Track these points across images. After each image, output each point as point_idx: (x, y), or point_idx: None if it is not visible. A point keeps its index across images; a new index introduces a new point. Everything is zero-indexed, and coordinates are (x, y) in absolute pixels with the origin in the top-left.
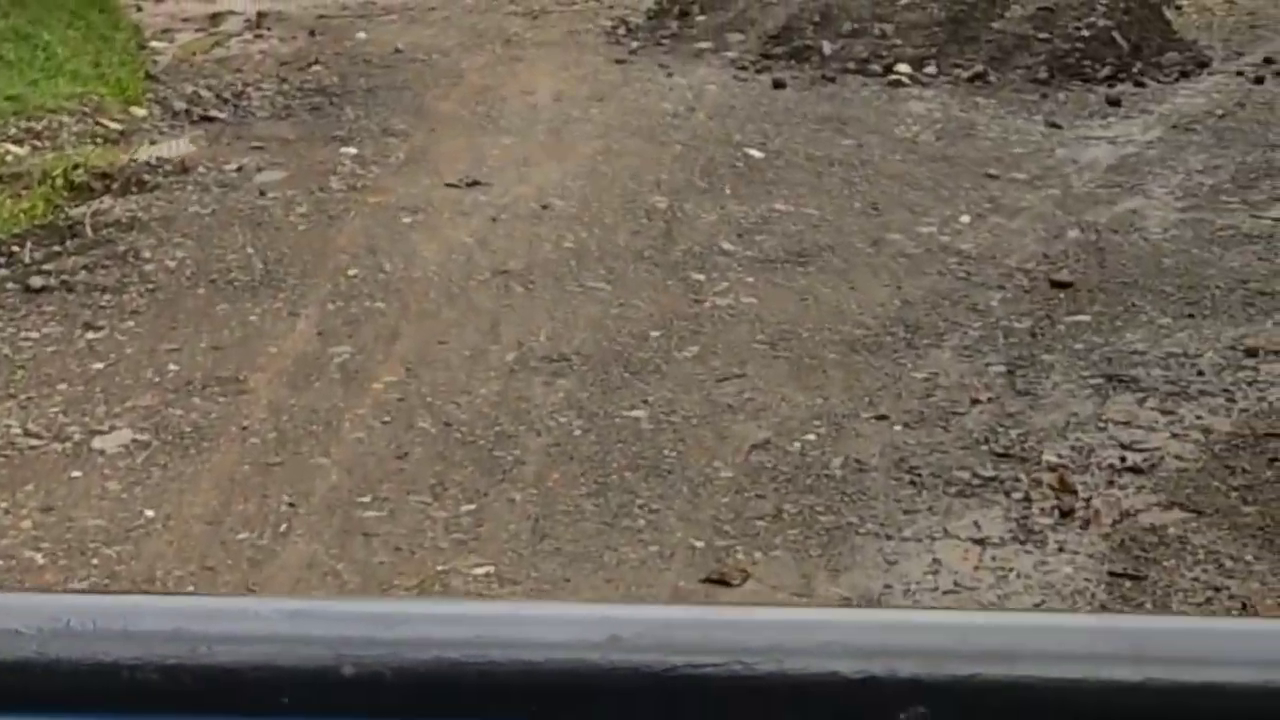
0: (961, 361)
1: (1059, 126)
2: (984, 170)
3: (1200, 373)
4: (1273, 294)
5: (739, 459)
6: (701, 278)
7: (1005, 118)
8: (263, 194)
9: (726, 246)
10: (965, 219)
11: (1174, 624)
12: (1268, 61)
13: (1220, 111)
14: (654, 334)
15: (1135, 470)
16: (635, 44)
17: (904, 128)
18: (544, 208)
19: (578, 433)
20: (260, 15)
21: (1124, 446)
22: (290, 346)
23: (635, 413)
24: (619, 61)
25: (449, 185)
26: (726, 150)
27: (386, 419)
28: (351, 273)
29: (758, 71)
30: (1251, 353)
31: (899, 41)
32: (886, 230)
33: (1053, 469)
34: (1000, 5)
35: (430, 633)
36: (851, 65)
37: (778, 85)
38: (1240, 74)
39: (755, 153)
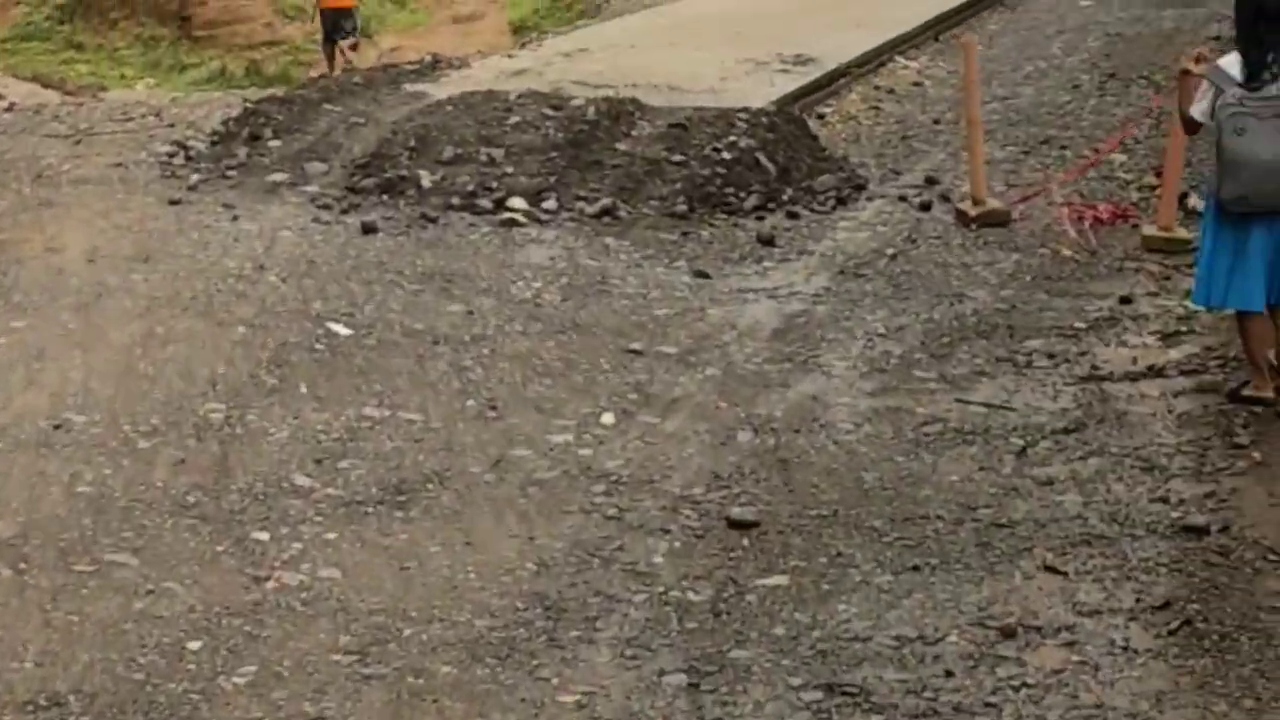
0: (625, 667)
1: (707, 276)
2: (625, 343)
3: (949, 672)
4: (1010, 524)
5: None
6: (265, 537)
7: (643, 265)
8: None
9: (301, 481)
10: (608, 419)
11: None
12: (930, 182)
13: (890, 250)
14: (193, 646)
15: None
16: (196, 177)
17: (523, 284)
18: (57, 427)
19: None
20: None
21: None
22: None
23: None
24: (174, 202)
25: None
26: (304, 326)
27: None
28: None
29: (344, 211)
30: (1008, 633)
31: (511, 169)
32: (510, 443)
33: None
34: (625, 123)
35: None
36: (456, 200)
37: (368, 229)
38: (903, 198)
39: (340, 329)
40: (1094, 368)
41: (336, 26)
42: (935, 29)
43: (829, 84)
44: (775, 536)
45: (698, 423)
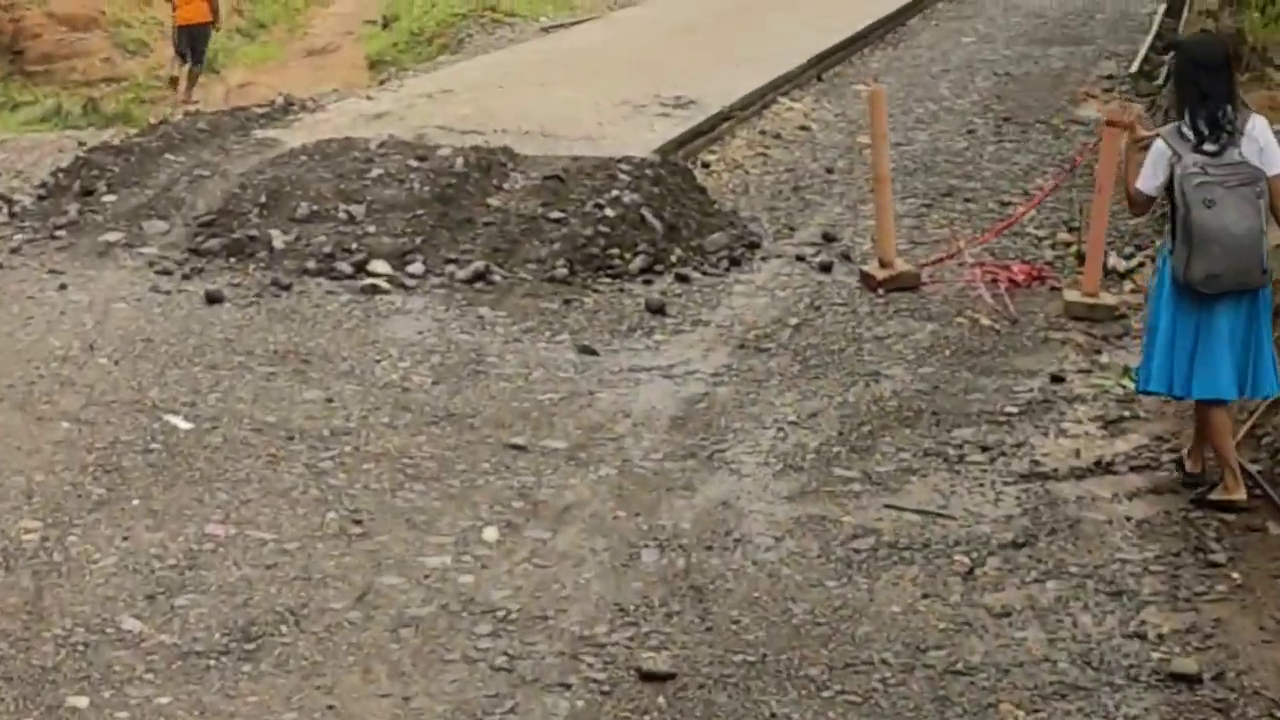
0: None
1: (594, 353)
2: (506, 436)
3: None
4: (968, 670)
5: None
6: (84, 704)
7: (522, 340)
8: None
9: (130, 625)
10: (491, 534)
11: None
12: (828, 239)
13: (794, 319)
14: None
15: None
16: (19, 237)
17: (389, 364)
18: None
19: None
20: None
21: None
22: None
23: None
24: None
25: None
26: (138, 421)
27: None
28: None
29: (186, 277)
30: None
31: (372, 229)
32: (379, 568)
33: None
34: (497, 175)
35: None
36: (312, 264)
37: (213, 299)
38: (801, 258)
39: (180, 423)
40: (1034, 463)
41: (188, 45)
42: (818, 67)
43: (712, 129)
44: (696, 692)
45: (594, 538)
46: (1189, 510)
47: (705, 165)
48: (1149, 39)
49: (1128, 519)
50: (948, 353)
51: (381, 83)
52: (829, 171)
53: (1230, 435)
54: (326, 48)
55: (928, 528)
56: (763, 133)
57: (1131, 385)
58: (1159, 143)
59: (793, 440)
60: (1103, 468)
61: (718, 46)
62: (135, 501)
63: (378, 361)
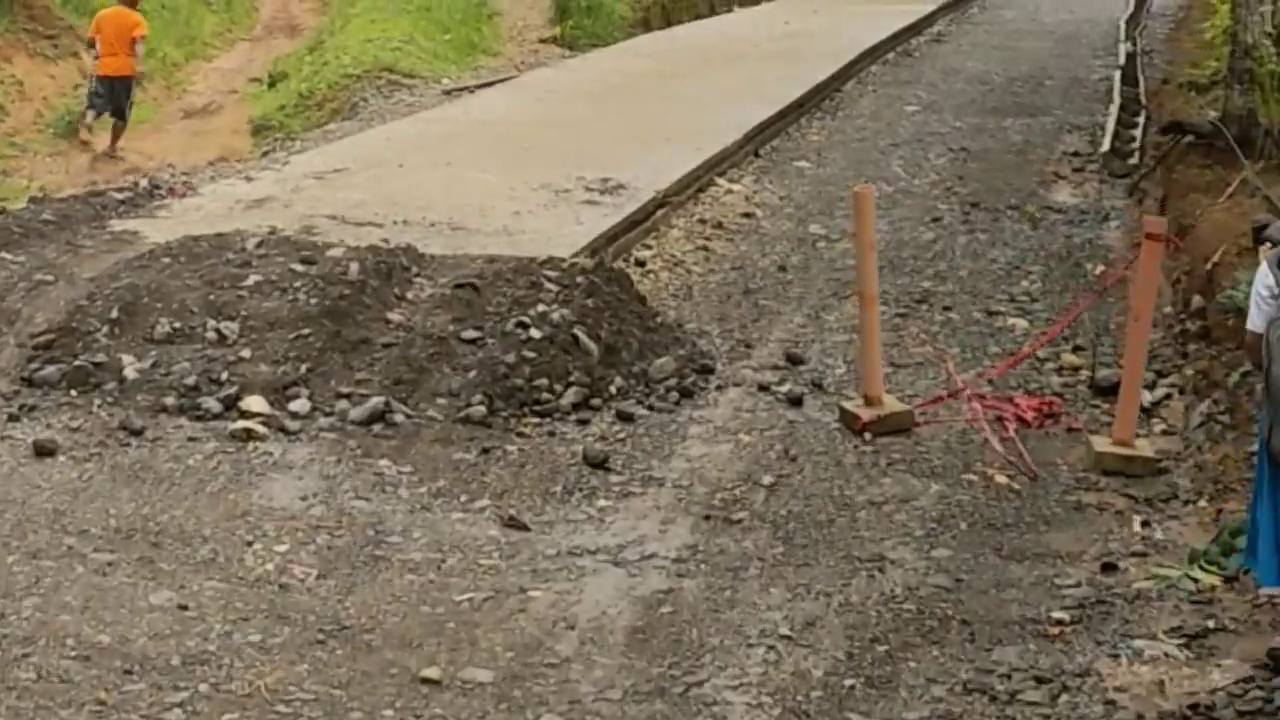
0: None
1: (523, 527)
2: (415, 663)
3: None
4: None
5: None
6: None
7: (432, 508)
8: None
9: None
10: None
11: None
12: (793, 360)
13: (766, 475)
14: None
15: None
16: None
17: (263, 547)
18: None
19: None
20: None
21: None
22: None
23: None
24: None
25: None
26: None
27: None
28: None
29: (13, 418)
30: None
31: (247, 353)
32: None
33: None
34: (399, 283)
35: None
36: (171, 399)
37: (43, 451)
38: (764, 388)
39: None
40: (1110, 704)
41: (108, 98)
42: (754, 141)
43: (645, 218)
44: None
45: None
46: None
47: (640, 264)
48: (1114, 110)
49: None
50: (964, 526)
51: (265, 154)
52: (782, 269)
53: None
54: (207, 108)
55: None
56: (702, 221)
57: (1204, 577)
58: (1262, 267)
59: (789, 665)
60: (1202, 714)
61: (640, 117)
62: None
63: (249, 544)
